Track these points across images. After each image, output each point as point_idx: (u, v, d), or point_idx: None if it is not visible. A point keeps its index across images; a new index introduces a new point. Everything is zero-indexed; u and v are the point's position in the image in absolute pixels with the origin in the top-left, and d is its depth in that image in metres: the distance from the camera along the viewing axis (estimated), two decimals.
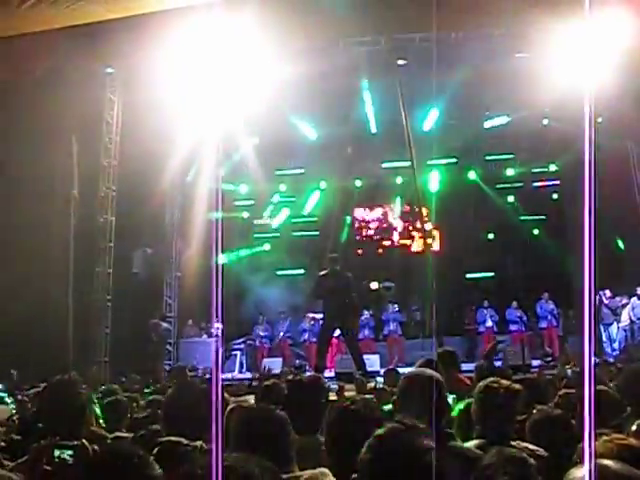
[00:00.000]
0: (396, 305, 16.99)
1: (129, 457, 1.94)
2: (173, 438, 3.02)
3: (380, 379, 8.71)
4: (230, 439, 2.83)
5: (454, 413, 3.87)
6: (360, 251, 20.23)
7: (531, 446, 2.90)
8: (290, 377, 6.21)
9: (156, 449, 2.92)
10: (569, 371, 7.53)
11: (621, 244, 16.29)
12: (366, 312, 16.34)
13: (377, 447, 2.00)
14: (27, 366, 10.56)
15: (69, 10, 9.16)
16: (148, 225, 15.17)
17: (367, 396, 4.08)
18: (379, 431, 2.06)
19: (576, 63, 13.30)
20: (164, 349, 15.26)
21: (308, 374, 8.61)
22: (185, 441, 2.99)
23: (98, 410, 4.73)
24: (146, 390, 8.45)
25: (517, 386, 3.34)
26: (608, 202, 14.92)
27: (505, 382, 3.36)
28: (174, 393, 3.54)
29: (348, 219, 20.32)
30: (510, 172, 19.53)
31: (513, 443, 2.95)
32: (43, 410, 3.46)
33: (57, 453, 3.12)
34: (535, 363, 13.09)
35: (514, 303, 16.34)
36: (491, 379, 3.38)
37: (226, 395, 5.04)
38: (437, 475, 1.83)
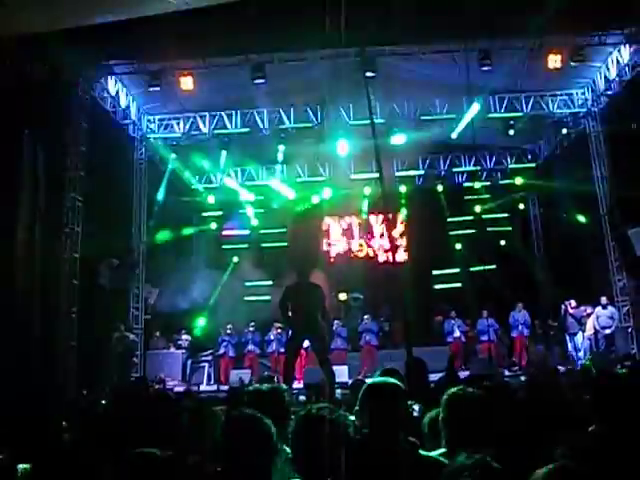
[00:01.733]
0: (367, 316, 17.01)
1: None
2: (145, 450, 2.98)
3: (339, 391, 8.73)
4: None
5: (424, 421, 3.89)
6: (329, 261, 20.25)
7: (496, 451, 2.93)
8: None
9: (128, 460, 2.87)
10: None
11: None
12: (337, 322, 16.37)
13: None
14: None
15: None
16: (115, 236, 15.01)
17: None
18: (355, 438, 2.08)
19: (539, 76, 13.68)
20: (130, 361, 15.07)
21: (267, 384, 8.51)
22: (158, 452, 2.95)
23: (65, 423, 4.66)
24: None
25: (482, 393, 3.36)
26: None
27: (470, 390, 3.38)
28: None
29: (317, 229, 20.38)
30: (477, 184, 19.84)
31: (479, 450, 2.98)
32: (5, 424, 3.39)
33: (21, 467, 3.07)
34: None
35: (484, 312, 16.43)
36: (457, 387, 3.40)
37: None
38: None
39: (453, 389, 3.41)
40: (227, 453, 2.72)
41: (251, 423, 2.83)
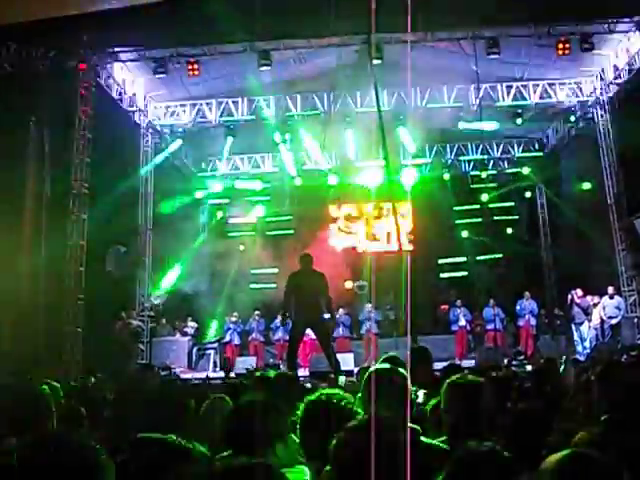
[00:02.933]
0: (370, 304, 16.99)
1: None
2: (153, 435, 2.97)
3: (342, 378, 8.74)
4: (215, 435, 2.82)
5: (427, 408, 3.88)
6: (334, 249, 20.21)
7: (505, 440, 2.92)
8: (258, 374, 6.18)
9: (140, 446, 2.86)
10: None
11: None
12: (341, 310, 16.37)
13: (347, 440, 2.02)
14: None
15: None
16: (121, 222, 15.03)
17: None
18: (349, 424, 2.08)
19: (548, 65, 13.57)
20: (136, 348, 15.12)
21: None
22: (170, 438, 2.94)
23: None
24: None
25: (481, 381, 3.32)
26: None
27: (470, 377, 3.36)
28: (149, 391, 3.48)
29: (322, 217, 20.33)
30: (483, 174, 19.77)
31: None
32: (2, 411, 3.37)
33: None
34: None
35: (491, 301, 16.36)
36: (456, 375, 3.38)
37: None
38: (404, 469, 1.84)
39: (451, 377, 3.39)
40: (235, 440, 2.71)
41: (260, 410, 2.82)
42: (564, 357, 12.01)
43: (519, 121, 16.39)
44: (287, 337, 14.92)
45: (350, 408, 2.73)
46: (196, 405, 3.94)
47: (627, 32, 13.67)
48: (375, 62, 13.04)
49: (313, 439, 2.61)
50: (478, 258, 19.51)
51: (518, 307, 16.27)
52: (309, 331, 11.41)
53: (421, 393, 4.42)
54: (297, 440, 2.80)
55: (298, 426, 2.81)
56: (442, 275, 19.59)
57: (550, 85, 15.86)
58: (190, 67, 13.73)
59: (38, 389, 3.41)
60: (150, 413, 3.37)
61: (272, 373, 3.83)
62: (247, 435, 2.67)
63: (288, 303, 10.51)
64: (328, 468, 2.15)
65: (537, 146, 19.70)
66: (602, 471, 1.77)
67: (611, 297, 14.94)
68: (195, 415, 3.77)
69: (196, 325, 17.02)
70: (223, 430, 2.89)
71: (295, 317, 10.62)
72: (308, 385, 7.52)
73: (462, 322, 16.59)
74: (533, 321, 16.17)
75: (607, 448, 2.02)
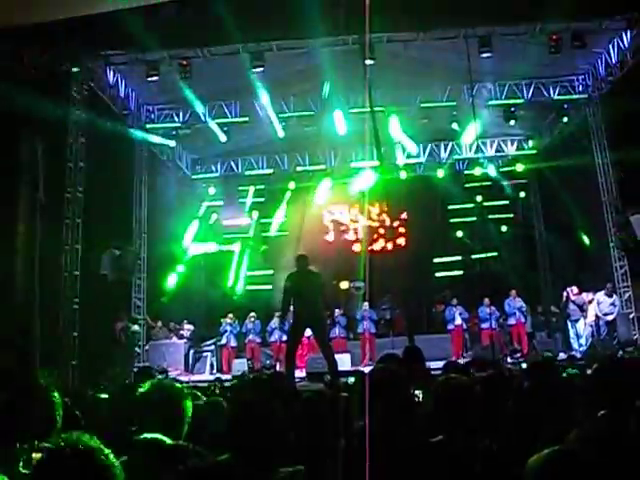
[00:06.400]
0: (367, 304, 16.95)
1: None
2: (154, 435, 2.96)
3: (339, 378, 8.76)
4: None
5: (426, 408, 3.89)
6: (330, 250, 20.22)
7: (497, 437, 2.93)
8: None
9: (136, 449, 2.86)
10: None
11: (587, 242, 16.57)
12: (337, 311, 16.38)
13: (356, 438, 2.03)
14: None
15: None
16: (116, 227, 15.01)
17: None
18: (357, 424, 2.09)
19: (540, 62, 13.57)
20: (133, 351, 15.11)
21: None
22: (166, 440, 2.94)
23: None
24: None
25: (469, 381, 3.33)
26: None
27: (460, 378, 3.36)
28: (148, 393, 3.45)
29: (317, 218, 20.34)
30: (478, 171, 19.77)
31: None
32: (8, 414, 3.36)
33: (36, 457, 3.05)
34: None
35: (485, 300, 16.33)
36: (446, 375, 3.39)
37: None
38: (409, 466, 1.85)
39: (441, 377, 3.40)
40: (234, 440, 2.71)
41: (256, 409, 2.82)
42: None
43: (512, 122, 16.46)
44: (283, 338, 14.98)
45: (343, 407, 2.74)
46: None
47: (618, 30, 13.69)
48: (368, 62, 13.04)
49: (311, 437, 2.60)
50: (473, 257, 19.53)
51: (506, 307, 16.26)
52: (307, 331, 11.42)
53: (419, 392, 4.43)
54: None
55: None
56: (437, 274, 19.58)
57: (543, 83, 15.90)
58: (182, 69, 13.71)
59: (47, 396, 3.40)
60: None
61: (266, 374, 3.82)
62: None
63: (286, 304, 10.52)
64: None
65: (531, 144, 19.69)
66: (586, 468, 1.78)
67: (608, 293, 14.96)
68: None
69: (192, 327, 16.99)
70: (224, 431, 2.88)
71: (294, 318, 10.62)
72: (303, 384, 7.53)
73: (458, 321, 16.58)
74: (523, 318, 16.18)
75: (601, 445, 2.02)
